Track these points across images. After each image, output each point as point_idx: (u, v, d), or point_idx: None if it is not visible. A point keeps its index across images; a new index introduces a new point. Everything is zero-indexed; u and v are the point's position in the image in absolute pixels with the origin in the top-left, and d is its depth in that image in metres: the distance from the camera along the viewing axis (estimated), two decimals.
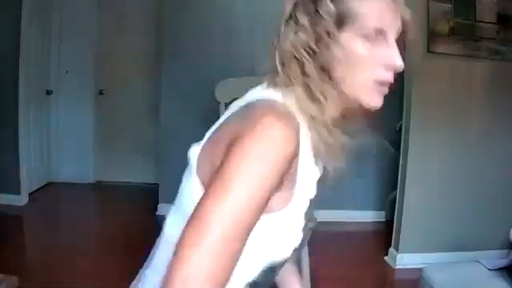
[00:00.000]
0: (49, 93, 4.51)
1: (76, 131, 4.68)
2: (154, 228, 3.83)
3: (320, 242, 3.15)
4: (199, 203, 0.68)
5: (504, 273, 1.93)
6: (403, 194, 2.84)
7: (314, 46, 0.76)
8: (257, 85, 0.85)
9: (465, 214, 2.86)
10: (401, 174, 2.89)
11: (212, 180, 0.68)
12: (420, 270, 2.09)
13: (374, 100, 0.80)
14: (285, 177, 0.71)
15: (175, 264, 0.64)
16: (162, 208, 3.74)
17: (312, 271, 2.17)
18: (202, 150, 0.78)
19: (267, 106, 0.74)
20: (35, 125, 4.26)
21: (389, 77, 0.79)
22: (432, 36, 2.69)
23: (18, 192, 3.84)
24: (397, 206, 2.94)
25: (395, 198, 3.00)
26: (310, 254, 2.15)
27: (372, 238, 3.53)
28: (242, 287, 0.78)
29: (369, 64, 0.77)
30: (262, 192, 0.67)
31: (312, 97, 0.77)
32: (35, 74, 4.17)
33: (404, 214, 2.84)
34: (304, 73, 0.77)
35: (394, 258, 2.88)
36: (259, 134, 0.67)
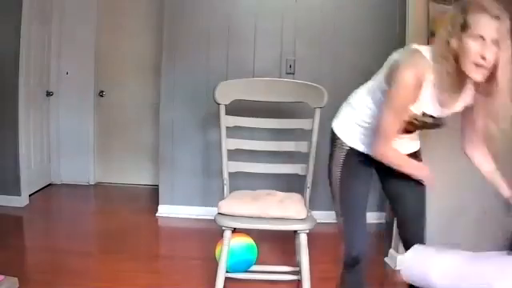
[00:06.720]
0: (49, 94, 4.51)
1: (76, 132, 4.68)
2: (154, 229, 3.83)
3: (320, 243, 3.15)
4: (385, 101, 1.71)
5: None
6: None
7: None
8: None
9: (465, 215, 2.85)
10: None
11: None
12: None
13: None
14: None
15: (379, 121, 1.73)
16: (162, 209, 3.67)
17: (312, 272, 2.17)
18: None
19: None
20: (35, 126, 4.27)
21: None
22: (432, 37, 2.69)
23: (18, 193, 3.85)
24: None
25: None
26: (310, 254, 2.15)
27: (372, 239, 3.52)
28: None
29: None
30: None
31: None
32: (35, 75, 4.18)
33: None
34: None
35: (395, 260, 2.88)
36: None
